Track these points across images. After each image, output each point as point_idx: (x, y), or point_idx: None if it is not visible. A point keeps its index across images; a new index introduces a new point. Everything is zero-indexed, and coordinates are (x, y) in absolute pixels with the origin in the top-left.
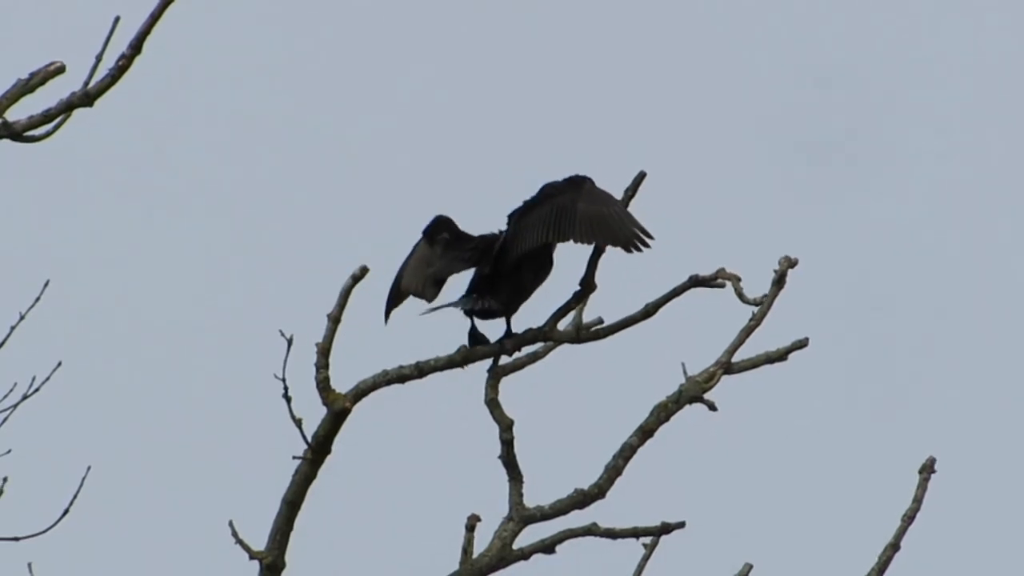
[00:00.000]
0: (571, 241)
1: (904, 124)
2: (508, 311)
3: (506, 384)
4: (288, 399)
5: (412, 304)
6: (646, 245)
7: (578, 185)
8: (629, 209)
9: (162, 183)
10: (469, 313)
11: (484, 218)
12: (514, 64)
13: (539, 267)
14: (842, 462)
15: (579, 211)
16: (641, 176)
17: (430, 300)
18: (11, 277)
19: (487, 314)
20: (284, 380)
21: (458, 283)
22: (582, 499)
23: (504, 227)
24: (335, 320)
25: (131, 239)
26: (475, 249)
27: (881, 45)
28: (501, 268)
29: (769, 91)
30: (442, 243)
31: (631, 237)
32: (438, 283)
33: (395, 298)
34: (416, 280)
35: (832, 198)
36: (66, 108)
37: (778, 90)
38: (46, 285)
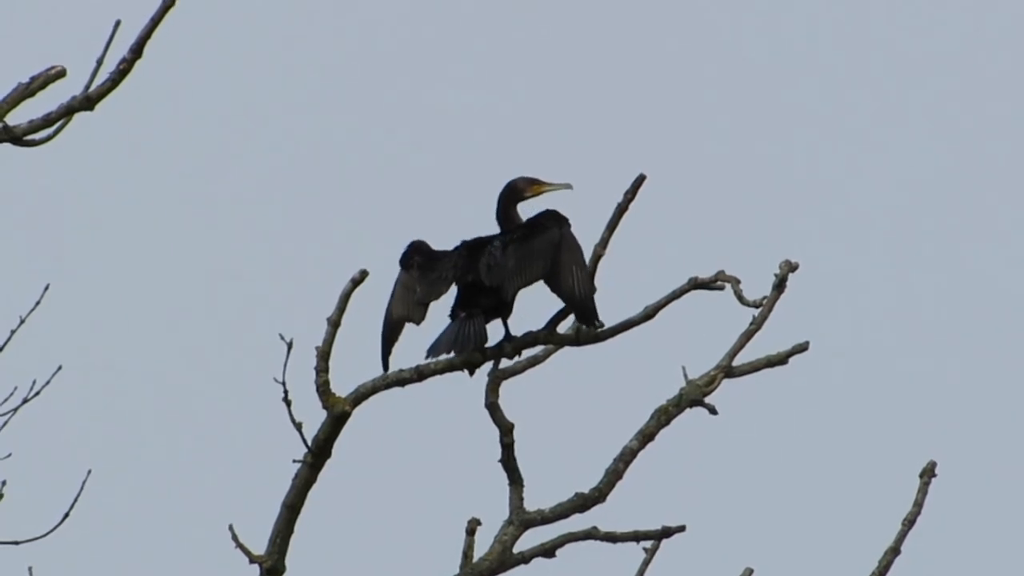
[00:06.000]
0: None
1: (905, 124)
2: (501, 311)
3: (506, 388)
4: (288, 403)
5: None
6: (593, 325)
7: (559, 223)
8: (629, 209)
9: (162, 187)
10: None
11: (481, 221)
12: (516, 66)
13: None
14: (843, 466)
15: (562, 262)
16: (640, 179)
17: (418, 322)
18: (11, 280)
19: (480, 335)
20: (284, 384)
21: (446, 297)
22: (582, 503)
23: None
24: (335, 324)
25: (131, 243)
26: (454, 267)
27: (880, 45)
28: (499, 292)
29: (769, 92)
30: (416, 266)
31: (591, 316)
32: (423, 305)
33: (390, 338)
34: (404, 307)
35: (833, 199)
36: (67, 112)
37: (778, 91)
38: (46, 289)
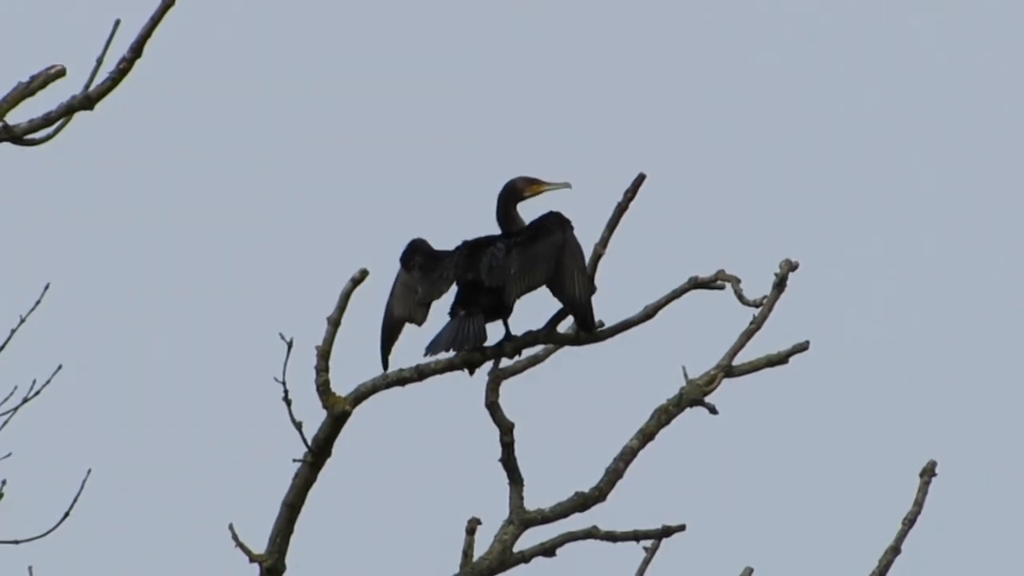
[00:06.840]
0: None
1: (905, 124)
2: (501, 312)
3: (507, 387)
4: (288, 402)
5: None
6: (590, 331)
7: (563, 226)
8: (629, 208)
9: (162, 186)
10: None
11: (481, 221)
12: (516, 65)
13: None
14: (843, 465)
15: (565, 266)
16: (640, 178)
17: (420, 323)
18: (11, 280)
19: (479, 334)
20: (284, 383)
21: (447, 296)
22: (583, 502)
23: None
24: (335, 323)
25: (131, 242)
26: (455, 266)
27: (880, 45)
28: (500, 293)
29: (770, 92)
30: (418, 266)
31: (589, 323)
32: (425, 305)
33: (390, 337)
34: (405, 307)
35: (833, 199)
36: (67, 111)
37: (779, 91)
38: (46, 288)
